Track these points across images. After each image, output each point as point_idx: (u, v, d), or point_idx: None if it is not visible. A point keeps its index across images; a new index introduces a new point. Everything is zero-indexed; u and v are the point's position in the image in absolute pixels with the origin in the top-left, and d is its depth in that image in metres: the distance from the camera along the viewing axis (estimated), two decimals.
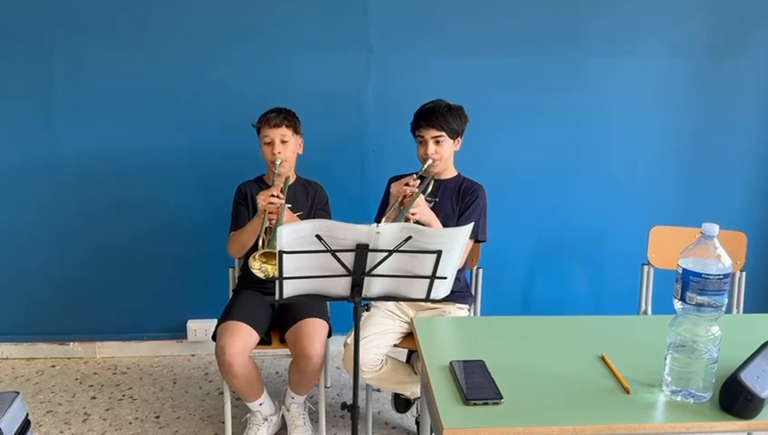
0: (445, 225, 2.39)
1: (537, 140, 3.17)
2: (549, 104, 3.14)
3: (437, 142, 2.44)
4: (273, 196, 2.33)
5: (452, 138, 2.46)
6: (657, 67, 3.13)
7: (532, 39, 3.06)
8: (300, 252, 1.71)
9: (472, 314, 2.56)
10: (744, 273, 2.60)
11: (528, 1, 3.03)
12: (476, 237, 2.49)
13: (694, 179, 3.27)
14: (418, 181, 2.36)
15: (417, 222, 2.24)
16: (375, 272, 1.78)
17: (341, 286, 1.83)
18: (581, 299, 3.36)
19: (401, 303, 2.47)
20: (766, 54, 3.15)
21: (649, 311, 2.67)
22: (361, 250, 1.72)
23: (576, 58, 3.10)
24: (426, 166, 2.45)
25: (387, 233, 1.70)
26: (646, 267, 2.66)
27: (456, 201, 2.51)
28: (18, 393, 1.87)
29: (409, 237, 1.71)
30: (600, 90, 3.14)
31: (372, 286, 1.84)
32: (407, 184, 2.33)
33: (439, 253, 1.73)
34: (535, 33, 3.06)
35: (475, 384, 1.45)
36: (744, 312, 2.65)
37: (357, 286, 1.82)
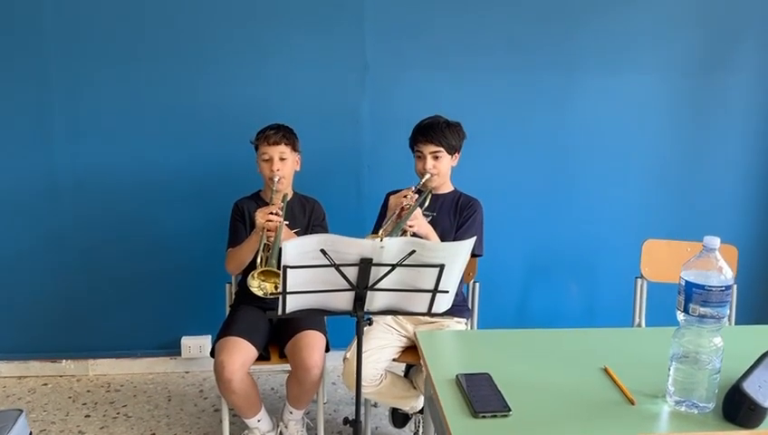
0: (443, 239, 2.41)
1: (531, 156, 3.21)
2: (543, 120, 3.18)
3: (435, 157, 2.46)
4: (271, 213, 2.33)
5: (450, 153, 2.49)
6: (648, 83, 3.19)
7: (526, 55, 3.11)
8: (305, 267, 1.72)
9: (469, 328, 2.57)
10: (735, 285, 2.64)
11: (522, 18, 3.08)
12: (473, 251, 2.50)
13: (686, 194, 3.33)
14: (416, 194, 2.38)
15: (414, 235, 2.26)
16: (378, 286, 1.79)
17: (344, 301, 1.84)
18: (576, 313, 3.38)
19: (399, 317, 2.48)
20: (756, 70, 3.23)
21: (643, 324, 2.70)
22: (365, 264, 1.74)
23: (569, 74, 3.15)
24: (423, 180, 2.47)
25: (391, 247, 1.71)
26: (639, 281, 2.70)
27: (454, 216, 2.53)
28: (22, 411, 1.84)
29: (413, 251, 1.72)
30: (594, 105, 3.19)
31: (375, 300, 1.85)
32: (404, 196, 2.36)
33: (442, 267, 1.75)
34: (529, 50, 3.11)
35: (483, 397, 1.46)
36: (736, 324, 2.68)
37: (360, 301, 1.83)
